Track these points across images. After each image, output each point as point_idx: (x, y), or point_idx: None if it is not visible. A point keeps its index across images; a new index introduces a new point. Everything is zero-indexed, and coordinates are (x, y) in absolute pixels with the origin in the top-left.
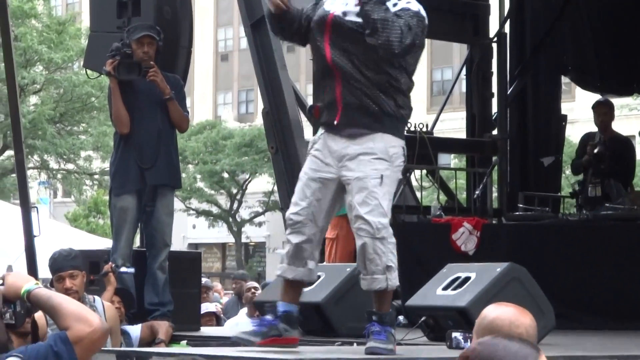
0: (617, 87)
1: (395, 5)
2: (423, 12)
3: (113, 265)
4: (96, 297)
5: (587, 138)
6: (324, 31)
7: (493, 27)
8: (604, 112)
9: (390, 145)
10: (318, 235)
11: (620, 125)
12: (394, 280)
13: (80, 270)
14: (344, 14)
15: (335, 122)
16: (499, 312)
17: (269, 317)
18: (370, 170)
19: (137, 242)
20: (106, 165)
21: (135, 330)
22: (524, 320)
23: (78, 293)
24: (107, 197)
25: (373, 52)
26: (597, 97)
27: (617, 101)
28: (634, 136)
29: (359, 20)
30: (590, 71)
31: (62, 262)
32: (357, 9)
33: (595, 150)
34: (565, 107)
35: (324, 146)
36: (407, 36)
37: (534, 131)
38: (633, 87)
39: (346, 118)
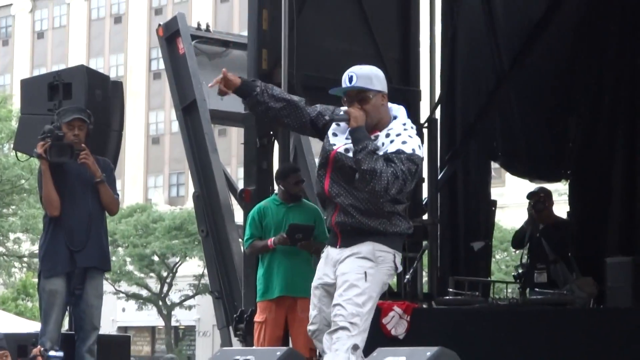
0: (546, 173)
1: (392, 142)
2: (419, 151)
3: (42, 348)
4: None
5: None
6: (327, 165)
7: (424, 113)
8: (539, 200)
9: (378, 249)
10: None
11: None
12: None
13: (5, 349)
14: (347, 150)
15: (338, 246)
16: None
17: None
18: (355, 267)
19: (65, 325)
20: (35, 247)
21: None
22: None
23: None
24: (36, 280)
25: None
26: (526, 182)
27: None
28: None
29: None
30: (519, 157)
31: None
32: None
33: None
34: (495, 192)
35: (326, 255)
36: (392, 186)
37: (464, 216)
38: (561, 173)
39: (345, 240)
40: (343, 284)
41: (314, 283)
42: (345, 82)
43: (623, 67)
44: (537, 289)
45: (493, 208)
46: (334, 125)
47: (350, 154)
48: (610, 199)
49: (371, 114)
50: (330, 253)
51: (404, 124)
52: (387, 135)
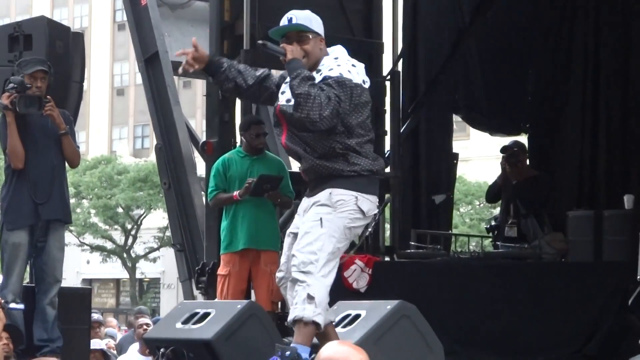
0: (505, 126)
1: (320, 74)
2: (347, 75)
3: (2, 301)
4: None
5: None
6: (280, 121)
7: (386, 65)
8: (512, 154)
9: (335, 194)
10: None
11: (495, 166)
12: (310, 312)
13: None
14: (288, 100)
15: (306, 196)
16: (331, 352)
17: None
18: (311, 215)
19: (26, 277)
20: None
21: None
22: None
23: None
24: None
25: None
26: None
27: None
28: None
29: None
30: (480, 110)
31: None
32: None
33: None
34: (459, 145)
35: (301, 206)
36: (326, 108)
37: (426, 169)
38: (520, 126)
39: (312, 189)
40: (299, 234)
41: (289, 231)
42: (284, 24)
43: (581, 21)
44: (501, 243)
45: (455, 161)
46: (284, 85)
47: (291, 102)
48: (567, 152)
49: (310, 55)
50: (302, 202)
51: (336, 58)
52: (318, 71)
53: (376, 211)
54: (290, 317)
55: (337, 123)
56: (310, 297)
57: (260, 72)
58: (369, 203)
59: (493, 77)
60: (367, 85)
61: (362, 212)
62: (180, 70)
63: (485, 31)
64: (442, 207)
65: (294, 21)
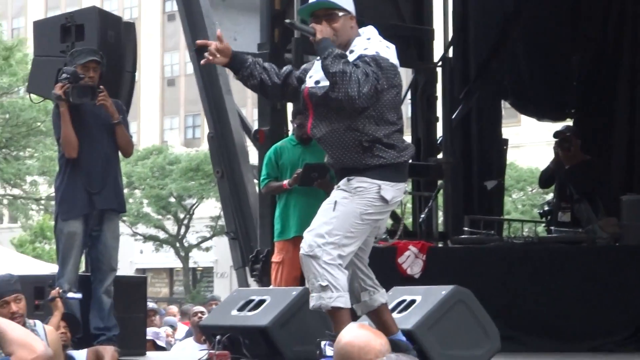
0: (551, 111)
1: (352, 52)
2: (384, 53)
3: (60, 290)
4: (37, 322)
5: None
6: (307, 106)
7: (437, 52)
8: (564, 139)
9: (356, 181)
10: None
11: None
12: (327, 299)
13: (18, 292)
14: (317, 82)
15: (335, 182)
16: (351, 337)
17: None
18: (328, 199)
19: (82, 267)
20: (52, 190)
21: (80, 356)
22: (375, 346)
23: (23, 317)
24: (53, 223)
25: (343, 110)
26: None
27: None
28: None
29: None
30: (526, 96)
31: (5, 287)
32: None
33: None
34: (511, 132)
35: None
36: (364, 85)
37: (477, 155)
38: (566, 113)
39: (338, 180)
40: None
41: None
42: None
43: (628, 5)
44: (554, 228)
45: (505, 147)
46: (311, 70)
47: (322, 84)
48: (615, 137)
49: (339, 34)
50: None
51: (368, 38)
52: (351, 52)
53: (402, 198)
54: (310, 305)
55: (371, 104)
56: (322, 287)
57: (283, 69)
58: (393, 191)
59: (538, 63)
60: (399, 68)
61: (385, 200)
62: (202, 61)
63: (531, 16)
64: (493, 193)
65: None
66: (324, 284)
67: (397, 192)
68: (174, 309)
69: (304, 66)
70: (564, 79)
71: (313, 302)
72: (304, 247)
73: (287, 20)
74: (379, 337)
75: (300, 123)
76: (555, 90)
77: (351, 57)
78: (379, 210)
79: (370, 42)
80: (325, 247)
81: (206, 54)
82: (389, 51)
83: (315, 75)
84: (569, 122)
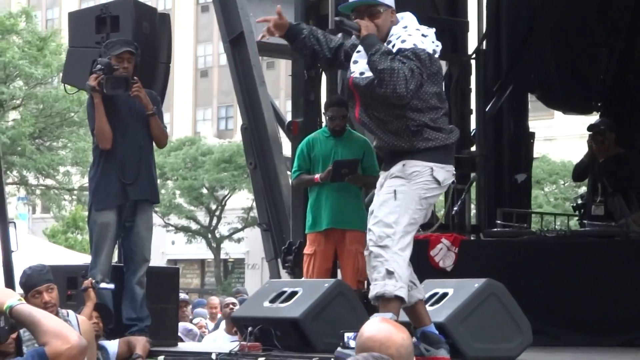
0: (578, 105)
1: (393, 45)
2: (421, 45)
3: (93, 280)
4: (70, 312)
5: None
6: (352, 94)
7: (472, 44)
8: (598, 132)
9: (410, 166)
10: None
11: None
12: (391, 286)
13: (51, 282)
14: (361, 73)
15: (383, 167)
16: (373, 331)
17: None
18: (385, 188)
19: (114, 257)
20: (85, 181)
21: (112, 346)
22: (396, 340)
23: (55, 306)
24: (85, 213)
25: (388, 101)
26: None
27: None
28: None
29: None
30: (553, 89)
31: (38, 277)
32: None
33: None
34: (543, 125)
35: (378, 182)
36: (411, 82)
37: (507, 148)
38: (592, 106)
39: (386, 164)
40: (373, 208)
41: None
42: None
43: None
44: (588, 222)
45: (531, 140)
46: (356, 54)
47: (366, 75)
48: None
49: (381, 29)
50: (379, 178)
51: (405, 27)
52: (389, 42)
53: (452, 179)
54: (371, 294)
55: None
56: (389, 272)
57: (335, 42)
58: (444, 173)
59: (566, 56)
60: (438, 53)
61: (438, 182)
62: (259, 37)
63: (559, 9)
64: (521, 186)
65: None
66: (391, 269)
67: (447, 173)
68: (215, 299)
69: (352, 40)
70: (591, 72)
71: (377, 290)
72: (371, 238)
73: (337, 18)
74: (400, 332)
75: (333, 115)
76: (581, 84)
77: (389, 47)
78: (434, 193)
79: (407, 31)
80: (394, 237)
81: (264, 30)
82: (426, 40)
83: (360, 63)
84: (595, 115)
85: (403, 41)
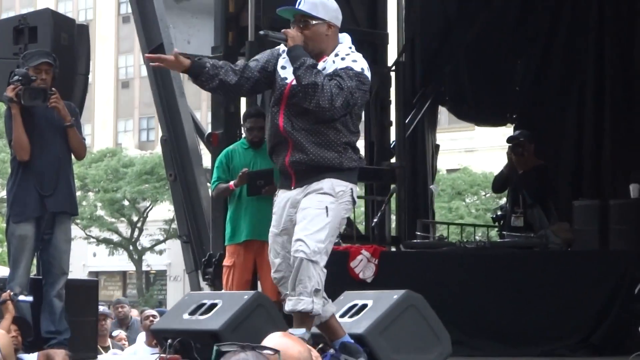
0: (491, 117)
1: (342, 59)
2: (367, 72)
3: (11, 293)
4: None
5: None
6: (281, 100)
7: (392, 56)
8: (517, 144)
9: (337, 184)
10: None
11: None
12: (318, 305)
13: None
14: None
15: (292, 187)
16: (272, 345)
17: (330, 351)
18: (315, 202)
19: (32, 270)
20: (3, 193)
21: (31, 359)
22: (292, 354)
23: None
24: (4, 225)
25: (316, 115)
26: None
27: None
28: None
29: None
30: (465, 102)
31: None
32: None
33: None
34: (465, 136)
35: (283, 200)
36: (337, 99)
37: (422, 160)
38: (507, 117)
39: (300, 182)
40: (303, 219)
41: (275, 230)
42: (296, 5)
43: (578, 9)
44: (507, 233)
45: (436, 153)
46: (281, 60)
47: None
48: (562, 142)
49: (312, 41)
50: (288, 196)
51: (350, 47)
52: (336, 55)
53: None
54: (294, 307)
55: (347, 115)
56: (317, 290)
57: (238, 65)
58: (356, 194)
59: (480, 68)
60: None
61: (354, 203)
62: (153, 63)
63: (472, 19)
64: (430, 197)
65: (301, 5)
66: (319, 287)
67: (356, 194)
68: (134, 311)
69: (266, 54)
70: (506, 83)
71: (303, 306)
72: (304, 251)
73: (261, 32)
74: (299, 345)
75: (251, 126)
76: (496, 95)
77: (338, 62)
78: (348, 215)
79: (355, 55)
80: (322, 254)
81: (157, 61)
82: (365, 63)
83: (289, 69)
84: (509, 127)
85: (354, 61)
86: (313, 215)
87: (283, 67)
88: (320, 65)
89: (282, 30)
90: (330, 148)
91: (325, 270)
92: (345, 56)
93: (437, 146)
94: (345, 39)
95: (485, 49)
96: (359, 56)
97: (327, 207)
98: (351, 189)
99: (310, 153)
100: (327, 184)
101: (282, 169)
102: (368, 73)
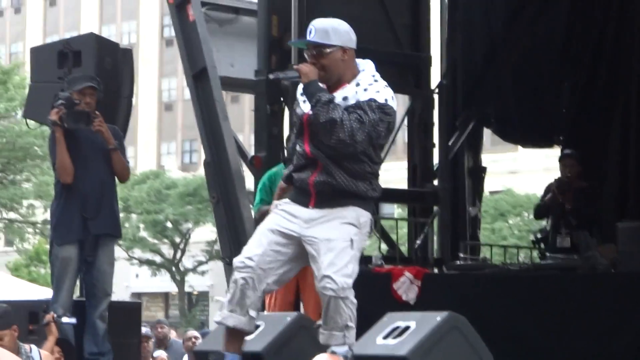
0: (537, 139)
1: (365, 90)
2: (392, 103)
3: (54, 315)
4: (32, 347)
5: (552, 184)
6: (303, 131)
7: (435, 78)
8: (570, 164)
9: (361, 215)
10: (263, 286)
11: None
12: (351, 339)
13: (7, 329)
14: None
15: (310, 206)
16: None
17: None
18: (340, 233)
19: (76, 292)
20: (49, 215)
21: None
22: None
23: (12, 348)
24: (48, 247)
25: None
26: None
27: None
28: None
29: None
30: (511, 124)
31: None
32: None
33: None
34: (508, 158)
35: (290, 207)
36: (357, 133)
37: (465, 182)
38: (553, 139)
39: (321, 203)
40: (329, 252)
41: (271, 225)
42: (307, 35)
43: (622, 32)
44: (550, 254)
45: (483, 174)
46: (301, 96)
47: None
48: (606, 164)
49: (329, 69)
50: (302, 210)
51: (373, 76)
52: (358, 85)
53: None
54: (328, 343)
55: (369, 147)
56: (347, 327)
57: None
58: (373, 224)
59: (525, 89)
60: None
61: (371, 232)
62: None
63: (517, 42)
64: (475, 219)
65: (312, 34)
66: (349, 324)
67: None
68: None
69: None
70: (552, 106)
71: (337, 341)
72: (333, 288)
73: (271, 75)
74: None
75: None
76: (542, 117)
77: (359, 90)
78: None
79: (379, 84)
80: (351, 288)
81: None
82: (390, 92)
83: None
84: (556, 149)
85: (377, 92)
86: (339, 249)
87: (304, 101)
88: (339, 94)
89: (294, 67)
90: (357, 177)
91: (355, 301)
92: (368, 86)
93: (484, 168)
94: (367, 66)
95: (531, 70)
96: (382, 85)
97: (352, 240)
98: (372, 219)
99: (338, 178)
100: (352, 213)
101: (301, 185)
102: (393, 103)
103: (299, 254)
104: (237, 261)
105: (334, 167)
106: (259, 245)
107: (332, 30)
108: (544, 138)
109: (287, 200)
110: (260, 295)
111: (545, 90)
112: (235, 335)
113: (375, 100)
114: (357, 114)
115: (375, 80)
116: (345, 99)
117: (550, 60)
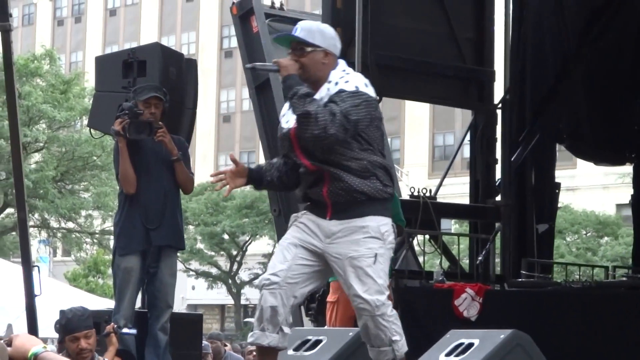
0: (610, 156)
1: (336, 84)
2: (364, 89)
3: (115, 325)
4: (95, 354)
5: None
6: (294, 147)
7: (499, 93)
8: None
9: (382, 224)
10: (292, 301)
11: (621, 194)
12: (401, 350)
13: (92, 329)
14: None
15: (328, 218)
16: None
17: None
18: (364, 249)
19: (138, 302)
20: (107, 225)
21: None
22: None
23: (92, 352)
24: (106, 257)
25: (315, 145)
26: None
27: (619, 169)
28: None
29: None
30: (584, 140)
31: (78, 322)
32: None
33: None
34: (566, 174)
35: (310, 220)
36: (331, 125)
37: (531, 198)
38: (626, 156)
39: (338, 213)
40: (355, 270)
41: (292, 240)
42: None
43: None
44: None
45: (557, 191)
46: (283, 110)
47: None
48: None
49: (308, 68)
50: (321, 223)
51: (344, 70)
52: (329, 82)
53: None
54: (381, 359)
55: (351, 138)
56: (394, 341)
57: (275, 162)
58: (394, 229)
59: (598, 106)
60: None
61: (396, 237)
62: (220, 188)
63: (590, 58)
64: (544, 236)
65: (297, 32)
66: (395, 337)
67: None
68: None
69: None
70: (624, 122)
71: (387, 356)
72: (367, 309)
73: (247, 65)
74: None
75: None
76: (614, 134)
77: (332, 87)
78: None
79: (350, 76)
80: (386, 301)
81: (222, 182)
82: (360, 78)
83: (287, 115)
84: (628, 167)
85: (346, 82)
86: (365, 267)
87: (284, 115)
88: (317, 96)
89: (273, 60)
90: (362, 174)
91: (394, 312)
92: (339, 80)
93: (558, 184)
94: (338, 64)
95: (604, 85)
96: (353, 76)
97: (376, 254)
98: (393, 225)
99: (347, 179)
100: (372, 223)
101: (316, 198)
102: (366, 89)
103: (323, 267)
104: (262, 279)
105: (339, 170)
106: (284, 260)
107: (318, 31)
108: (617, 155)
109: (305, 211)
110: (290, 310)
111: (617, 106)
112: (269, 353)
113: (344, 90)
114: (329, 107)
115: (347, 74)
116: (320, 99)
117: (621, 75)
